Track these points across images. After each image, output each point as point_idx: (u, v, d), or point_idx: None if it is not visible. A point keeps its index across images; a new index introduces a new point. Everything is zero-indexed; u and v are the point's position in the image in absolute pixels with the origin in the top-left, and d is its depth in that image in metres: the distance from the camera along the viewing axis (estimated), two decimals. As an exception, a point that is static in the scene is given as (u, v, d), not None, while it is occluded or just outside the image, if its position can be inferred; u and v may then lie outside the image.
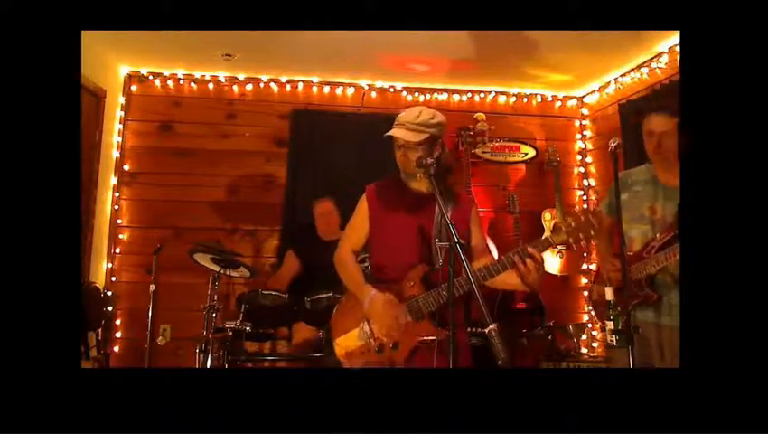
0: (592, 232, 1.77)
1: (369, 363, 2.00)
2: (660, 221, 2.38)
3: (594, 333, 4.23)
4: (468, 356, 2.09)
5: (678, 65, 3.41)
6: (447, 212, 1.84)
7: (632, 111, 3.77)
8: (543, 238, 1.85)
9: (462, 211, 2.10)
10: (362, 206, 2.16)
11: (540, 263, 1.82)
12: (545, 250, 1.84)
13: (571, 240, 1.80)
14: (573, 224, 1.80)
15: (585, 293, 4.33)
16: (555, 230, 1.83)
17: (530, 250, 1.81)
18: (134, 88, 4.26)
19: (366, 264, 2.58)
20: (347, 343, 2.05)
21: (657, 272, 2.29)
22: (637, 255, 2.37)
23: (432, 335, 1.92)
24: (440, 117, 2.05)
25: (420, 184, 2.10)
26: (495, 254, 3.37)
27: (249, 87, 4.34)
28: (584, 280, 4.47)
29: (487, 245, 2.21)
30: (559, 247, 4.21)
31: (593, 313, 2.62)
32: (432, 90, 4.53)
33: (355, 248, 2.18)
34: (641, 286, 2.32)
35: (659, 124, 2.37)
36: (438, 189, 1.83)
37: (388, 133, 2.01)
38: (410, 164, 2.01)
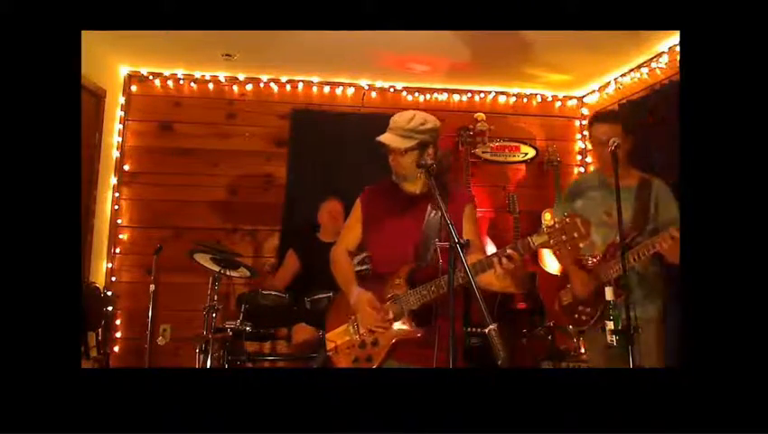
0: (575, 235, 1.72)
1: (352, 357, 2.06)
2: (618, 224, 2.42)
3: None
4: (460, 351, 2.10)
5: (678, 65, 3.41)
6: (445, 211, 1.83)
7: (632, 111, 3.77)
8: (524, 240, 1.82)
9: (455, 208, 2.08)
10: (356, 208, 2.23)
11: (518, 264, 1.80)
12: (526, 252, 1.81)
13: (552, 241, 1.75)
14: (556, 226, 1.75)
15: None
16: (537, 232, 1.80)
17: (509, 251, 1.80)
18: (134, 88, 4.26)
19: (366, 265, 2.58)
20: (336, 337, 2.14)
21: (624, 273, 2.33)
22: (603, 258, 2.49)
23: (412, 334, 1.96)
24: (432, 123, 2.05)
25: (413, 186, 2.12)
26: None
27: (249, 87, 4.33)
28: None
29: (481, 243, 2.21)
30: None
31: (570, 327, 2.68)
32: (432, 90, 4.53)
33: (349, 247, 2.26)
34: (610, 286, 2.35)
35: (604, 132, 2.47)
36: (438, 190, 1.82)
37: (378, 138, 2.02)
38: (400, 167, 2.06)
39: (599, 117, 2.60)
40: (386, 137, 2.02)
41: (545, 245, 1.79)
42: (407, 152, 2.01)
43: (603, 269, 2.47)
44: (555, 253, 2.82)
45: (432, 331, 1.86)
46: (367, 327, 2.04)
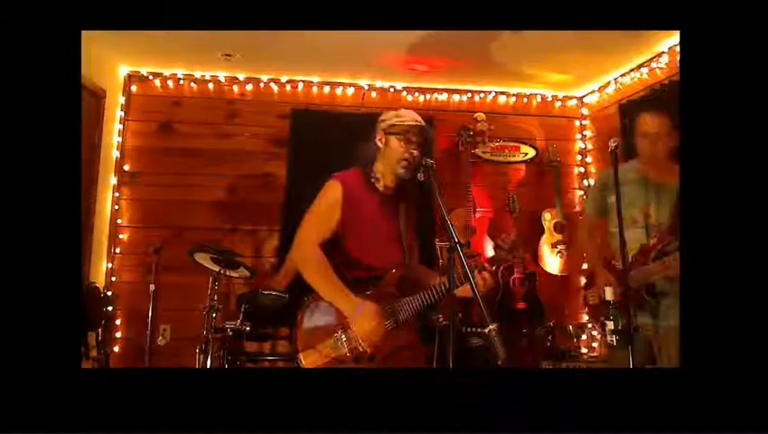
0: (518, 254, 1.98)
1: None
2: (654, 226, 2.35)
3: (594, 333, 4.22)
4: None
5: (678, 65, 3.41)
6: (441, 211, 1.83)
7: (631, 111, 3.77)
8: (492, 255, 1.99)
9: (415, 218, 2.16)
10: (334, 193, 2.00)
11: (492, 276, 1.93)
12: (495, 264, 1.97)
13: (510, 256, 2.01)
14: (509, 243, 1.95)
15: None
16: (496, 248, 1.99)
17: (486, 265, 1.91)
18: (134, 88, 4.25)
19: None
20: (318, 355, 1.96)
21: (656, 280, 2.28)
22: (634, 262, 2.31)
23: (411, 343, 1.97)
24: None
25: (384, 181, 2.10)
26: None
27: (249, 87, 4.33)
28: (583, 280, 4.45)
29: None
30: (559, 247, 4.21)
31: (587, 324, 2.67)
32: (432, 90, 4.53)
33: (321, 240, 1.97)
34: (639, 294, 2.29)
35: (654, 125, 2.36)
36: (439, 191, 1.83)
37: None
38: (412, 157, 2.03)
39: (647, 105, 2.46)
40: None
41: (505, 260, 2.12)
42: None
43: (632, 275, 2.24)
44: (586, 253, 2.79)
45: (428, 332, 1.88)
46: (370, 340, 1.89)
